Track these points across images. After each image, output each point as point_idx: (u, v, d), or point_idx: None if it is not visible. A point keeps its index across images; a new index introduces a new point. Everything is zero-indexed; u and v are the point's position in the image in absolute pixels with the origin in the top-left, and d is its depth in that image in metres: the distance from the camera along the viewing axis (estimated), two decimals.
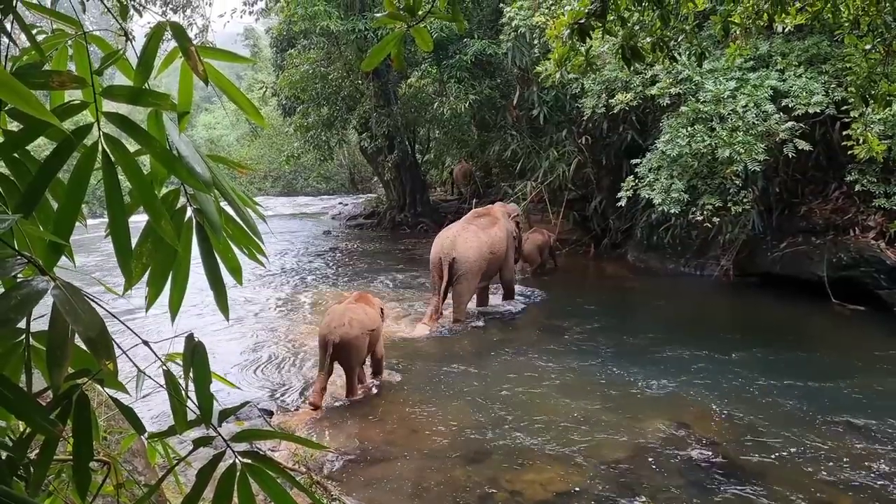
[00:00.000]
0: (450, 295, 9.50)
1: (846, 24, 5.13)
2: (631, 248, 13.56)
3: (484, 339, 8.85)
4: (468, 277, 9.42)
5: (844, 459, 5.34)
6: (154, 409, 5.72)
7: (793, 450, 5.50)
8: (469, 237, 9.53)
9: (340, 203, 26.87)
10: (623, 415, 6.25)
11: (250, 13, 18.04)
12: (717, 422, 6.08)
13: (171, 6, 15.39)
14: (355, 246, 17.14)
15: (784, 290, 10.42)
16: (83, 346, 1.09)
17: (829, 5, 4.72)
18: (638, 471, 5.25)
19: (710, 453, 5.48)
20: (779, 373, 7.17)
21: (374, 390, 7.08)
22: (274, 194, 33.42)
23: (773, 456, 5.41)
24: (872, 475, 5.12)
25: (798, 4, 4.82)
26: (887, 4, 4.62)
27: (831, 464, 5.28)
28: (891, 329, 8.75)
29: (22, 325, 1.15)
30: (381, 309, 7.36)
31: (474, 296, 9.98)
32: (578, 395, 6.74)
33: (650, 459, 5.42)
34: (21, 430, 1.38)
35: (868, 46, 5.01)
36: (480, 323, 9.61)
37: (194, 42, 1.34)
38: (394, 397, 6.85)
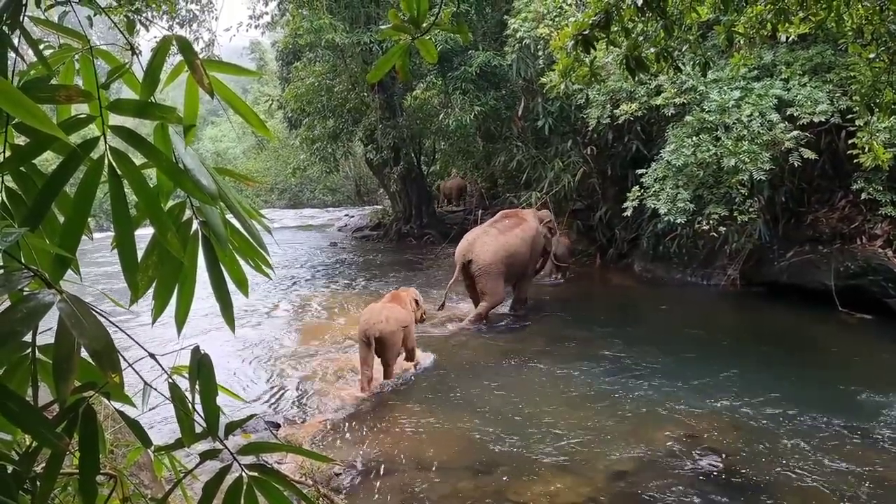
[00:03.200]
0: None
1: (850, 34, 5.13)
2: (637, 258, 13.53)
3: (490, 348, 8.83)
4: (489, 278, 9.73)
5: (854, 470, 5.30)
6: (161, 422, 5.71)
7: (801, 460, 5.46)
8: (488, 240, 9.87)
9: (346, 215, 26.97)
10: (630, 425, 6.22)
11: (256, 27, 18.15)
12: (725, 432, 6.04)
13: (177, 20, 15.46)
14: (361, 257, 17.16)
15: (791, 299, 10.38)
16: (89, 359, 1.09)
17: (832, 15, 4.73)
18: (646, 482, 5.22)
19: (719, 464, 5.45)
20: (786, 382, 7.13)
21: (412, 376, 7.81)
22: (280, 206, 33.58)
23: (781, 466, 5.37)
24: (882, 486, 5.08)
25: (801, 14, 4.83)
26: (891, 13, 4.62)
27: (840, 474, 5.23)
28: None
29: (28, 338, 1.16)
30: (416, 300, 8.03)
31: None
32: (585, 405, 6.71)
33: (658, 470, 5.38)
34: (27, 443, 1.38)
35: (872, 55, 5.02)
36: (485, 328, 9.62)
37: (200, 56, 1.35)
38: (400, 408, 6.83)
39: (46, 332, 1.14)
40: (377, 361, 7.40)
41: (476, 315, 9.90)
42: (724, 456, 5.58)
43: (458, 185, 21.51)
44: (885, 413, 6.34)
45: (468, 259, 9.70)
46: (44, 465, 1.26)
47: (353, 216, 26.04)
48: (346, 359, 8.36)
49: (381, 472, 5.49)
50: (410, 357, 7.93)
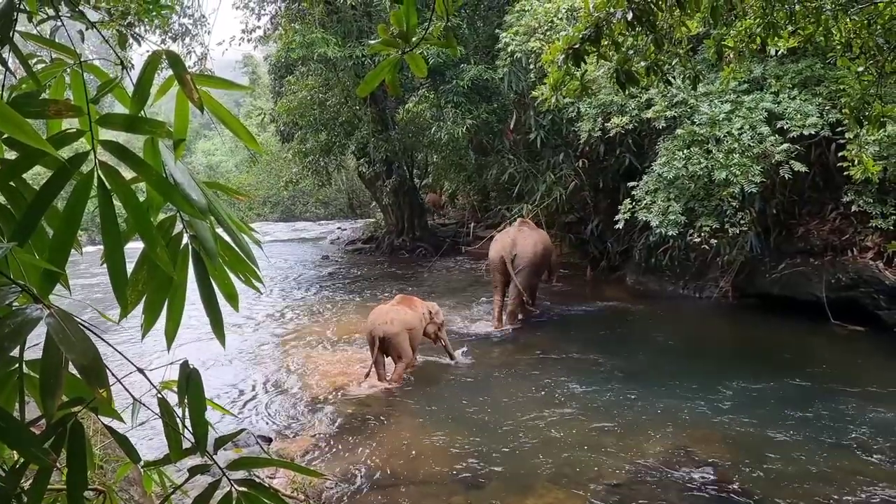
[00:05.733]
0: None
1: (838, 47, 5.18)
2: (629, 271, 13.55)
3: (482, 362, 8.81)
4: (529, 271, 10.60)
5: (847, 481, 5.30)
6: (152, 437, 5.67)
7: (794, 472, 5.46)
8: (525, 236, 10.78)
9: (339, 228, 26.96)
10: (623, 437, 6.21)
11: (249, 41, 18.15)
12: (717, 444, 6.04)
13: (170, 35, 15.47)
14: (354, 271, 17.13)
15: (783, 311, 10.40)
16: (78, 374, 1.08)
17: (821, 29, 4.77)
18: (639, 494, 5.21)
19: (711, 476, 5.44)
20: (778, 394, 7.14)
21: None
22: (273, 220, 33.53)
23: (773, 478, 5.37)
24: (875, 498, 5.08)
25: (790, 28, 4.87)
26: (878, 27, 4.66)
27: (833, 486, 5.23)
28: (891, 349, 8.72)
29: (16, 353, 1.15)
30: (430, 311, 8.36)
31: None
32: (578, 418, 6.70)
33: (651, 482, 5.37)
34: (14, 459, 1.37)
35: (861, 68, 5.06)
36: (475, 340, 9.60)
37: (193, 70, 1.36)
38: (392, 422, 6.81)
39: (35, 346, 1.14)
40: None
41: (511, 313, 10.69)
42: (716, 468, 5.58)
43: (433, 200, 23.00)
44: (878, 425, 6.34)
45: (514, 254, 10.44)
46: (31, 481, 1.26)
47: (345, 229, 26.03)
48: (337, 369, 8.35)
49: (373, 487, 5.46)
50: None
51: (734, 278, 11.58)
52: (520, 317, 10.90)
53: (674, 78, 5.61)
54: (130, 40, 3.73)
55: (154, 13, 3.72)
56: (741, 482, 5.35)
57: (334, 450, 6.19)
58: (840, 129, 8.84)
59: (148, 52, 1.41)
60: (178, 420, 1.36)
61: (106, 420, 1.42)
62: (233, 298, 1.49)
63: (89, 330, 1.10)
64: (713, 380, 7.66)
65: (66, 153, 1.24)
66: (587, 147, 12.51)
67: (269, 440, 6.39)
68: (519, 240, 10.65)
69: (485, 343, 9.79)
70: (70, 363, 1.07)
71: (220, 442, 1.41)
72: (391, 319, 7.69)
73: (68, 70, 1.56)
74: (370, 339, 7.70)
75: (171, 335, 1.41)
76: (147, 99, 1.37)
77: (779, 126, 9.50)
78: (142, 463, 1.52)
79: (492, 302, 11.00)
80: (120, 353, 1.43)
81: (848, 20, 4.74)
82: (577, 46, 4.09)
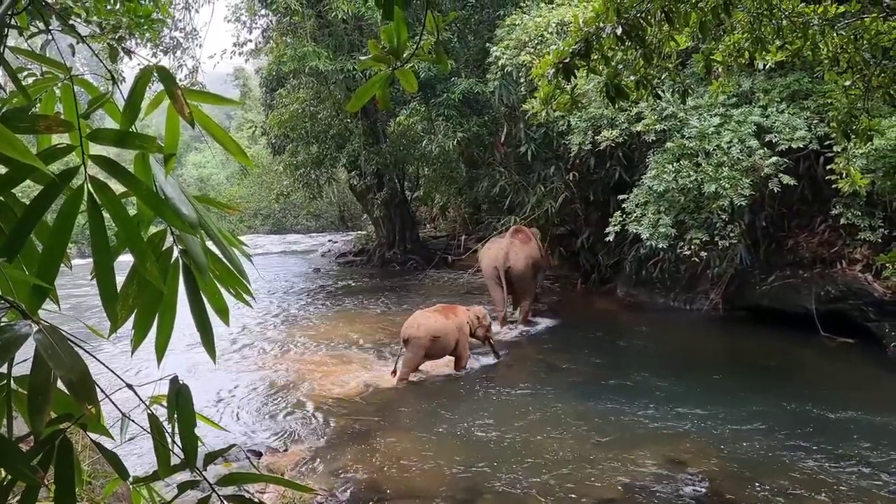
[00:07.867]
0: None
1: (826, 61, 5.21)
2: (620, 283, 13.58)
3: (474, 376, 8.80)
4: (525, 280, 11.32)
5: (838, 493, 5.31)
6: (141, 452, 5.62)
7: (785, 484, 5.46)
8: (517, 249, 11.37)
9: (330, 240, 26.96)
10: (615, 451, 6.20)
11: (240, 54, 18.16)
12: (709, 457, 6.04)
13: (161, 48, 15.47)
14: (345, 283, 17.10)
15: (773, 323, 10.44)
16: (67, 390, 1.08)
17: (808, 43, 4.81)
18: None
19: (703, 490, 5.44)
20: (770, 407, 7.15)
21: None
22: (264, 232, 33.49)
23: (765, 491, 5.37)
24: None
25: (778, 42, 4.91)
26: (865, 42, 4.71)
27: (826, 498, 5.24)
28: (880, 361, 8.76)
29: (3, 369, 1.14)
30: (477, 317, 9.00)
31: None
32: (570, 432, 6.69)
33: (643, 497, 5.36)
34: (2, 476, 1.36)
35: (848, 83, 5.10)
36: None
37: (184, 82, 1.36)
38: (383, 436, 6.77)
39: (24, 362, 1.13)
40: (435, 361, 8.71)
41: (524, 314, 11.53)
42: (708, 481, 5.57)
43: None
44: (870, 436, 6.36)
45: (507, 266, 11.06)
46: (18, 498, 1.24)
47: (336, 242, 26.03)
48: (328, 381, 8.32)
49: (364, 501, 5.43)
50: (457, 365, 8.86)
51: (724, 290, 11.63)
52: (518, 327, 11.33)
53: (663, 92, 5.64)
54: (121, 54, 3.73)
55: (146, 27, 3.72)
56: (733, 495, 5.34)
57: (325, 463, 6.16)
58: (828, 142, 8.91)
59: (139, 65, 1.41)
60: (167, 435, 1.36)
61: (94, 436, 1.41)
62: (223, 313, 1.48)
63: (77, 345, 1.10)
64: (704, 392, 7.68)
65: (56, 167, 1.24)
66: (577, 160, 12.56)
67: (260, 454, 6.34)
68: (511, 253, 11.17)
69: (475, 356, 9.75)
70: (59, 379, 1.06)
71: (210, 457, 1.41)
72: (418, 324, 8.35)
73: (59, 84, 1.56)
74: (400, 339, 8.45)
75: (161, 350, 1.41)
76: (138, 114, 1.37)
77: (767, 139, 9.58)
78: (131, 479, 1.51)
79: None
80: (109, 369, 1.42)
81: (835, 35, 4.78)
82: (567, 60, 4.12)
